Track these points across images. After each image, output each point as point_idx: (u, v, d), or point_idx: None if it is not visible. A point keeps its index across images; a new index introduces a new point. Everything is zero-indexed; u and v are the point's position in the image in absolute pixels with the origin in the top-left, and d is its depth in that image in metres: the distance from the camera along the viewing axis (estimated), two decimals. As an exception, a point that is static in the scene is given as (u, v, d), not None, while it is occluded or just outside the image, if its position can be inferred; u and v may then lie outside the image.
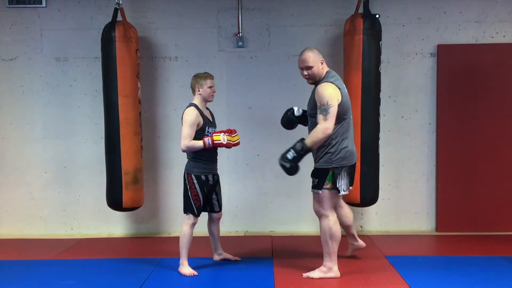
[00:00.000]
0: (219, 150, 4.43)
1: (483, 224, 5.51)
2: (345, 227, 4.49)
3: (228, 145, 4.22)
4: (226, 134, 4.22)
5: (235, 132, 4.34)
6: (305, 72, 4.06)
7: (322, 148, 4.02)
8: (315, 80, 4.08)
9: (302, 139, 3.98)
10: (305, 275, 4.14)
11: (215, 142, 4.15)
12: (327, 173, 4.04)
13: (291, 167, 3.95)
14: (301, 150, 3.94)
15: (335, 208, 4.28)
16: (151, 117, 5.60)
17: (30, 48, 5.59)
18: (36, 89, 5.62)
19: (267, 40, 5.56)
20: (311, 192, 4.15)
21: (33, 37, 5.59)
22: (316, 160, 4.11)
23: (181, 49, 5.58)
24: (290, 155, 3.94)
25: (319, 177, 4.07)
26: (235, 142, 4.31)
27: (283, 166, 3.98)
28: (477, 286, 3.96)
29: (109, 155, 5.13)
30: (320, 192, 4.06)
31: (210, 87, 4.29)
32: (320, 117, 3.90)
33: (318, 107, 3.94)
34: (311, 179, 4.15)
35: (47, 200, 5.69)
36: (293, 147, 3.95)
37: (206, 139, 4.17)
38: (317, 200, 4.10)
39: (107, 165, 5.16)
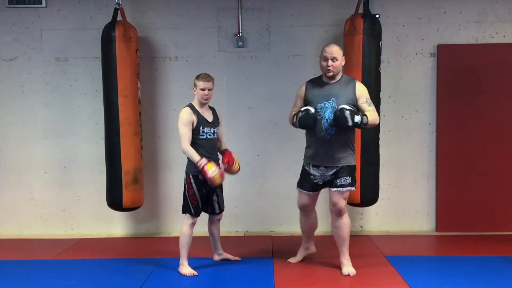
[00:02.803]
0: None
1: (483, 224, 5.51)
2: (313, 229, 4.59)
3: (210, 179, 4.11)
4: (221, 168, 4.17)
5: (235, 166, 4.35)
6: (330, 63, 4.16)
7: (348, 146, 4.20)
8: (335, 74, 4.21)
9: (364, 114, 4.07)
10: (346, 273, 4.17)
11: (204, 168, 4.10)
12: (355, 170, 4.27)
13: (351, 125, 3.99)
14: (363, 122, 4.02)
15: (311, 210, 4.49)
16: (151, 117, 5.60)
17: (30, 48, 5.59)
18: (36, 89, 5.62)
19: (267, 40, 5.56)
20: (339, 191, 4.20)
21: (33, 37, 5.59)
22: (341, 159, 4.18)
23: (181, 49, 5.58)
24: (357, 119, 3.99)
25: (353, 175, 4.21)
26: (228, 174, 4.26)
27: (341, 118, 3.98)
28: (477, 286, 3.96)
29: (109, 155, 5.13)
30: (354, 189, 4.25)
31: (202, 89, 4.24)
32: (371, 108, 4.15)
33: (364, 101, 4.15)
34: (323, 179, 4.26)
35: (47, 200, 5.69)
36: (361, 115, 4.03)
37: (202, 160, 4.12)
38: (345, 197, 4.23)
39: (107, 165, 5.16)
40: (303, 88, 4.35)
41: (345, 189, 4.18)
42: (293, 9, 5.53)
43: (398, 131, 5.58)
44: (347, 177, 4.17)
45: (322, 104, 4.15)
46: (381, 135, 5.08)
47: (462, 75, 5.47)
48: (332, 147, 4.15)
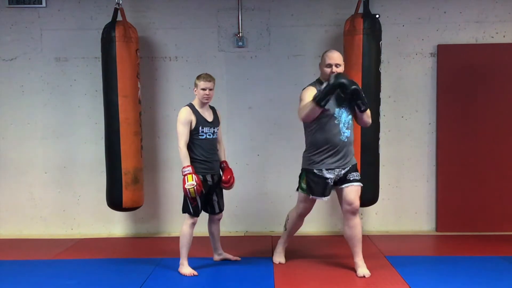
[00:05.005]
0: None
1: (483, 224, 5.51)
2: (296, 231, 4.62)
3: (184, 190, 4.14)
4: (197, 186, 4.13)
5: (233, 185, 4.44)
6: (335, 69, 4.16)
7: (352, 146, 4.25)
8: None
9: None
10: (361, 274, 4.15)
11: (185, 176, 4.12)
12: None
13: (354, 88, 3.99)
14: (364, 103, 4.08)
15: (304, 214, 4.53)
16: (151, 117, 5.60)
17: (30, 48, 5.60)
18: (36, 89, 5.62)
19: (267, 40, 5.57)
20: (353, 185, 4.18)
21: (33, 37, 5.59)
22: (351, 159, 4.24)
23: (181, 49, 5.58)
24: (357, 88, 4.02)
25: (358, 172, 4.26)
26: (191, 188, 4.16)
27: (346, 80, 3.99)
28: (477, 286, 3.96)
29: (109, 155, 5.13)
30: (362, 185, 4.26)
31: (203, 89, 4.25)
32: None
33: None
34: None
35: (47, 200, 5.69)
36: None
37: (188, 168, 4.14)
38: (359, 195, 4.22)
39: (107, 165, 5.16)
40: (314, 90, 4.17)
41: (357, 184, 4.19)
42: (293, 9, 5.53)
43: (398, 131, 5.58)
44: (357, 172, 4.25)
45: (339, 109, 4.16)
46: (381, 135, 5.09)
47: (462, 75, 5.48)
48: (346, 149, 4.19)
